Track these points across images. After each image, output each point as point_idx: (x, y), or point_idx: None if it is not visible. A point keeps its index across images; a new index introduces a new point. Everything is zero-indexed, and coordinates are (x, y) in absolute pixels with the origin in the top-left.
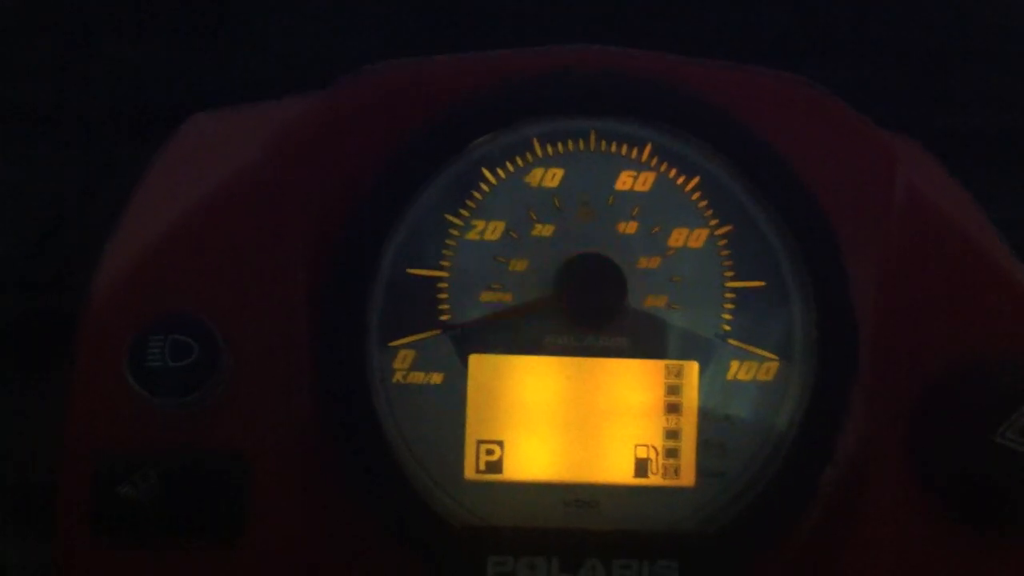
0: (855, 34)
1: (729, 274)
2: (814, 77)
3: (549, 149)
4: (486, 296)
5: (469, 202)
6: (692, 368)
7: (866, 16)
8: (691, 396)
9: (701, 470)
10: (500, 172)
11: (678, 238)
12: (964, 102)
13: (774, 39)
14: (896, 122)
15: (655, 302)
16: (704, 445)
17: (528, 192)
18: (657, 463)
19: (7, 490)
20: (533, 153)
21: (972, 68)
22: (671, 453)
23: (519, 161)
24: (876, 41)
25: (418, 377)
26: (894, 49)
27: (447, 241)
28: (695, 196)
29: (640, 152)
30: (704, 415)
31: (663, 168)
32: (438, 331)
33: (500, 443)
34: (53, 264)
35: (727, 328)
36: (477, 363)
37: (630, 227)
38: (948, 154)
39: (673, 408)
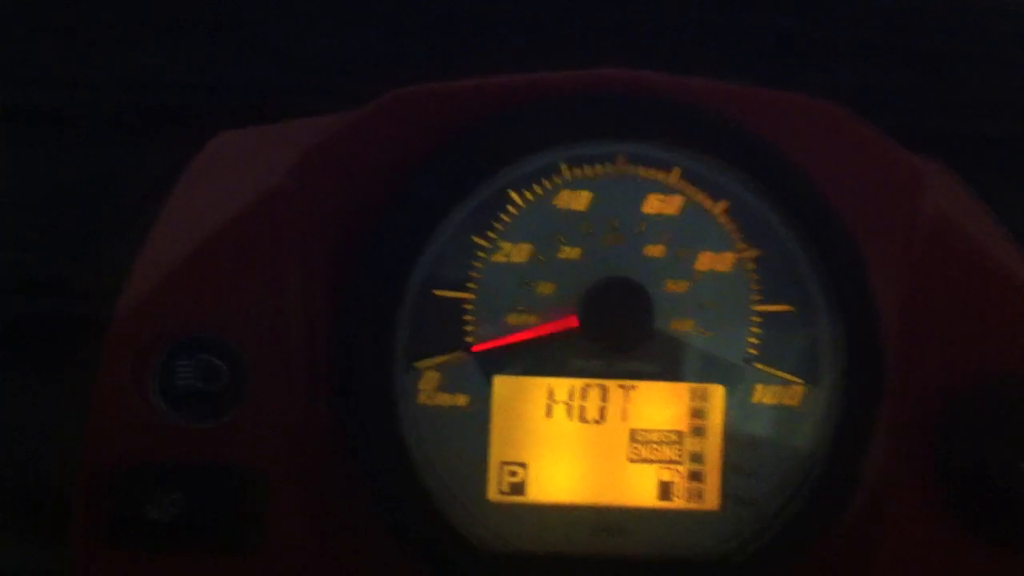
0: (860, 38)
1: (756, 298)
2: (824, 82)
3: (577, 172)
4: (512, 318)
5: (496, 224)
6: (717, 392)
7: (869, 19)
8: (716, 420)
9: (726, 494)
10: (528, 195)
11: (705, 262)
12: (969, 106)
13: (778, 45)
14: (900, 125)
15: (681, 326)
16: (729, 469)
17: (555, 215)
18: (681, 486)
19: (6, 493)
20: (561, 176)
21: (977, 72)
22: (695, 476)
23: (547, 184)
24: (879, 45)
25: (443, 399)
26: (898, 53)
27: (474, 263)
28: (723, 220)
29: (668, 175)
30: (729, 439)
31: (691, 192)
32: (464, 353)
33: (523, 465)
34: (53, 266)
35: (753, 352)
36: (502, 384)
37: (657, 251)
38: (953, 159)
39: (698, 431)
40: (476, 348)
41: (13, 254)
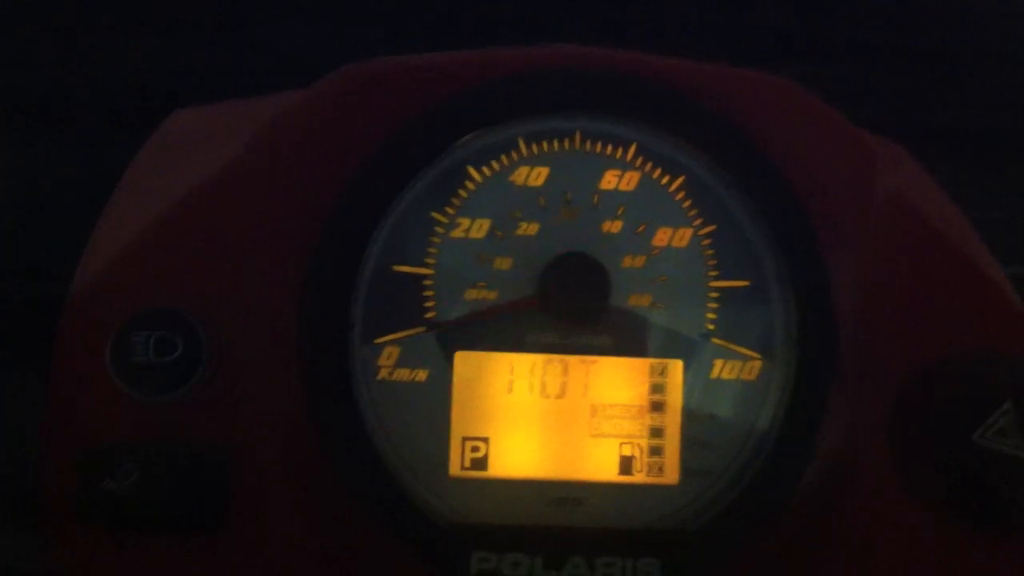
0: (846, 33)
1: (713, 274)
2: (805, 75)
3: (535, 148)
4: (471, 294)
5: (454, 200)
6: (676, 367)
7: (855, 15)
8: (675, 394)
9: (685, 468)
10: (485, 170)
11: (662, 237)
12: (947, 101)
13: (766, 38)
14: (880, 121)
15: (639, 301)
16: (688, 443)
17: (513, 191)
18: (642, 461)
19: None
20: (519, 152)
21: (957, 67)
22: (656, 451)
23: (504, 160)
24: (864, 40)
25: (403, 374)
26: (882, 48)
27: (432, 239)
28: (679, 196)
29: (625, 152)
30: (688, 413)
31: (648, 168)
32: (423, 328)
33: (485, 440)
34: (30, 253)
35: (711, 327)
36: (463, 360)
37: (615, 226)
38: (931, 152)
39: (657, 406)
40: (436, 324)
41: (8, 248)
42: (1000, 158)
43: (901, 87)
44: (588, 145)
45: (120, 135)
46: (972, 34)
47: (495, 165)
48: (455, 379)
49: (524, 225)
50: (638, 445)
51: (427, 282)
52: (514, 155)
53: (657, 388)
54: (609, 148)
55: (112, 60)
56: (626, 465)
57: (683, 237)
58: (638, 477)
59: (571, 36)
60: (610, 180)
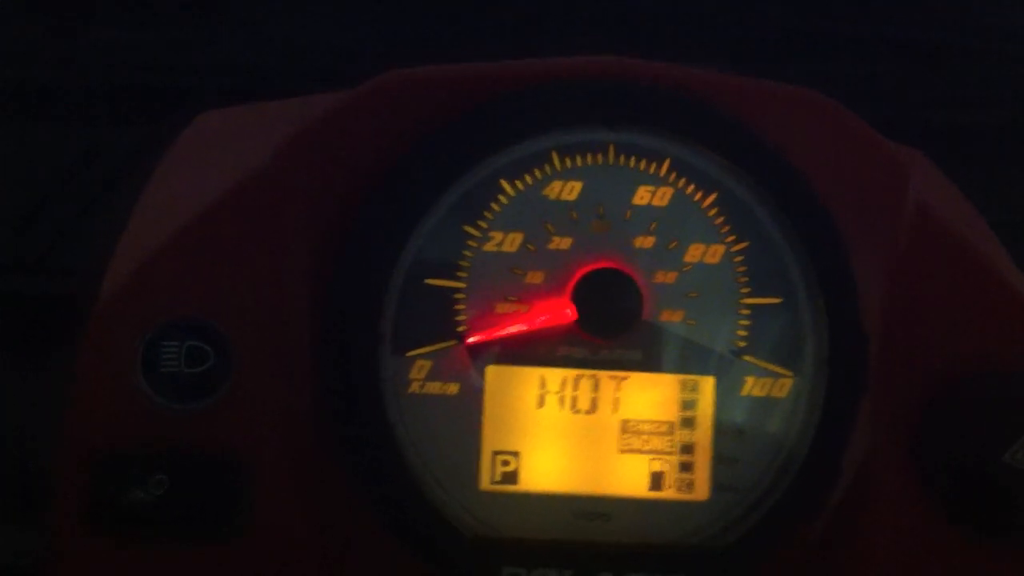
0: (850, 31)
1: (745, 290)
2: (813, 74)
3: (568, 162)
4: (502, 307)
5: (487, 213)
6: (707, 383)
7: (857, 13)
8: (706, 411)
9: (714, 484)
10: (518, 184)
11: (695, 253)
12: (961, 98)
13: (768, 37)
14: (890, 118)
15: (671, 317)
16: (718, 459)
17: (546, 204)
18: (671, 477)
19: None
20: (552, 165)
21: (962, 65)
22: (685, 467)
23: (537, 173)
24: (867, 38)
25: (434, 387)
26: (887, 46)
27: (464, 252)
28: (712, 212)
29: (659, 167)
30: (718, 430)
31: (681, 183)
32: (455, 342)
33: (516, 454)
34: (37, 246)
35: (742, 344)
36: (494, 374)
37: (647, 242)
38: (942, 151)
39: (688, 422)
40: (468, 338)
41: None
42: (1006, 157)
43: (905, 85)
44: (622, 159)
45: (106, 115)
46: (976, 32)
47: (528, 179)
48: (487, 393)
49: (557, 239)
50: (668, 461)
51: (459, 295)
52: (547, 169)
53: (688, 404)
54: (643, 163)
55: (99, 40)
56: (656, 481)
57: (715, 253)
58: (668, 493)
59: (566, 21)
60: (643, 195)
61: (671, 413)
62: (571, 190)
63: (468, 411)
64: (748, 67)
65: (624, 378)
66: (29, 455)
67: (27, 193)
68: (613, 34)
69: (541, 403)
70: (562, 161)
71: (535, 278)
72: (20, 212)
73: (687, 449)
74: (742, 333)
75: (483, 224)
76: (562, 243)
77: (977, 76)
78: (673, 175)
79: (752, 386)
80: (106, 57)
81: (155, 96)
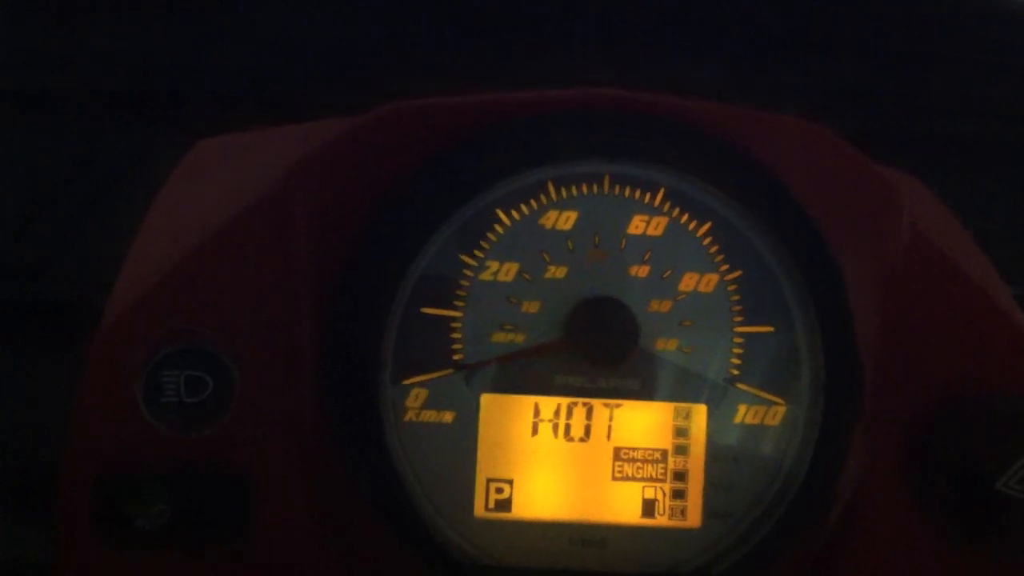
0: (843, 37)
1: (738, 319)
2: (805, 77)
3: (564, 192)
4: (498, 336)
5: (483, 243)
6: (700, 411)
7: (850, 19)
8: (699, 439)
9: (707, 511)
10: (515, 213)
11: (689, 282)
12: (942, 107)
13: (763, 41)
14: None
15: (665, 345)
16: (710, 486)
17: (542, 234)
18: (664, 504)
19: None
20: (547, 196)
21: (951, 73)
22: (678, 494)
23: (533, 203)
24: (859, 45)
25: (430, 415)
26: (878, 53)
27: (461, 281)
28: (707, 241)
29: (653, 197)
30: (711, 457)
31: (675, 213)
32: (451, 370)
33: (510, 482)
34: (34, 251)
35: (735, 372)
36: (489, 403)
37: (642, 271)
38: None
39: (681, 450)
40: (464, 366)
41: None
42: (996, 165)
43: (898, 91)
44: (617, 189)
45: (109, 121)
46: (968, 39)
47: (524, 208)
48: (481, 421)
49: (552, 268)
50: (661, 488)
51: (455, 324)
52: (543, 198)
53: (681, 432)
54: (638, 192)
55: (104, 44)
56: (648, 508)
57: (709, 282)
58: (660, 520)
59: (565, 36)
60: (638, 225)
61: (664, 441)
62: (567, 220)
63: (463, 439)
64: (737, 73)
65: (617, 406)
66: (29, 456)
67: (27, 197)
68: (613, 34)
69: (535, 431)
70: (558, 191)
71: (531, 307)
72: (19, 216)
73: (680, 476)
74: (736, 361)
75: (479, 253)
76: (558, 272)
77: (960, 86)
78: (668, 204)
79: (745, 414)
80: (106, 59)
81: (155, 98)
